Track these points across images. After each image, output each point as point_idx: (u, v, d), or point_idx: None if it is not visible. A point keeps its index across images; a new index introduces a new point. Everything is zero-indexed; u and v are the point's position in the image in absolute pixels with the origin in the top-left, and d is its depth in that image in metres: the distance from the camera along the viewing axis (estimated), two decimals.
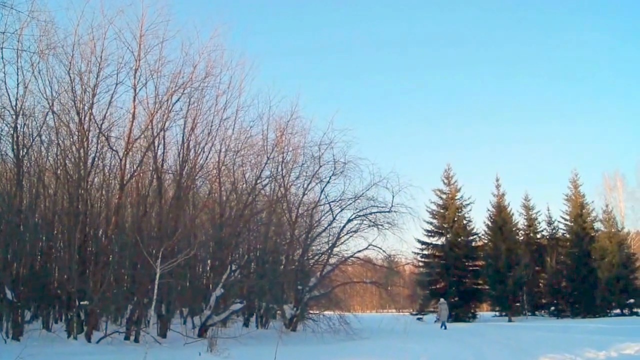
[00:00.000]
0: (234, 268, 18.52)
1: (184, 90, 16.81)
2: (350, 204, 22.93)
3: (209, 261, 21.65)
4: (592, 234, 41.22)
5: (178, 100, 16.91)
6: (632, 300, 39.51)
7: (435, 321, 33.48)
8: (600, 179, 54.11)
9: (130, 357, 11.56)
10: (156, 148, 17.08)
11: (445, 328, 27.65)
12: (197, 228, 20.12)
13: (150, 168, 17.72)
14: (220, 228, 19.05)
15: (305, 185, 23.36)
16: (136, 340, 15.32)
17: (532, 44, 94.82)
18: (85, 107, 15.41)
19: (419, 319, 30.59)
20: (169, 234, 15.34)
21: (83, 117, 15.32)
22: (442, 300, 32.49)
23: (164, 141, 17.50)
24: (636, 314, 38.92)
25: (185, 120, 17.68)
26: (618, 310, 39.42)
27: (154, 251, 13.36)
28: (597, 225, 42.00)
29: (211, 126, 18.58)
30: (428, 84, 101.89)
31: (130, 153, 17.01)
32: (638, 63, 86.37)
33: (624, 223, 43.39)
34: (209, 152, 19.33)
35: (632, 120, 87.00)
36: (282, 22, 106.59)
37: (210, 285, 18.97)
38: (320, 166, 22.36)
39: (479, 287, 42.11)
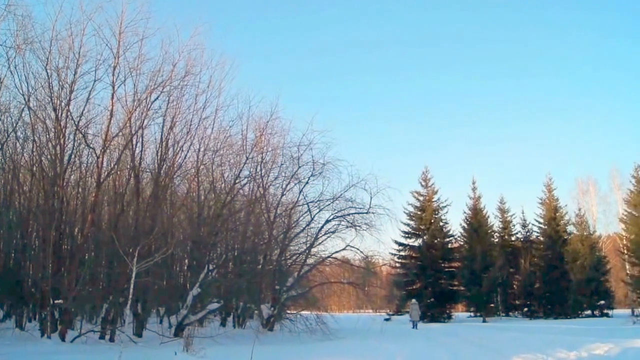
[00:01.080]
0: (211, 267, 18.45)
1: (163, 89, 16.72)
2: (329, 204, 23.03)
3: (186, 260, 21.54)
4: (565, 237, 42.02)
5: (157, 98, 16.82)
6: (602, 302, 40.41)
7: (410, 321, 34.07)
8: (573, 184, 55.16)
9: (105, 357, 11.45)
10: (134, 146, 16.95)
11: (416, 327, 28.57)
12: (174, 227, 20.01)
13: (128, 166, 17.58)
14: (198, 227, 19.00)
15: (284, 186, 23.43)
16: (111, 340, 15.18)
17: (509, 46, 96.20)
18: (63, 104, 15.23)
19: (386, 319, 30.93)
20: (146, 233, 15.23)
21: (60, 114, 15.14)
22: (413, 300, 33.64)
23: (142, 139, 17.37)
24: (606, 315, 39.75)
25: (164, 118, 17.59)
26: (589, 312, 40.26)
27: (130, 250, 13.27)
28: (570, 228, 42.88)
29: (190, 125, 18.52)
30: (407, 86, 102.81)
31: (108, 151, 16.88)
32: (615, 68, 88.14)
33: (596, 227, 44.40)
34: (188, 151, 19.28)
35: (605, 127, 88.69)
36: (262, 23, 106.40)
37: (188, 285, 18.89)
38: (299, 167, 22.42)
39: (455, 288, 42.58)
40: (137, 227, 16.22)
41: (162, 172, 17.69)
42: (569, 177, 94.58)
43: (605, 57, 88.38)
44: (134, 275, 10.49)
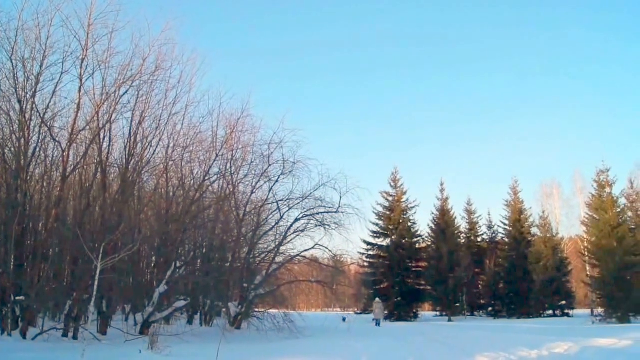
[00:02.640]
0: (178, 265, 18.29)
1: (132, 83, 16.44)
2: (298, 203, 23.04)
3: (153, 257, 21.27)
4: (529, 239, 42.96)
5: (126, 92, 16.53)
6: (564, 302, 41.50)
7: (374, 319, 34.60)
8: (538, 187, 56.28)
9: (68, 355, 11.23)
10: (102, 140, 16.64)
11: (379, 326, 29.54)
12: (142, 223, 19.76)
13: (95, 161, 17.26)
14: (166, 224, 18.78)
15: (253, 184, 23.34)
16: (75, 337, 14.89)
17: (477, 47, 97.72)
18: (28, 96, 14.85)
19: (343, 319, 31.30)
20: (112, 229, 14.99)
21: (25, 106, 14.76)
22: (377, 299, 34.47)
23: (110, 134, 17.06)
24: (567, 315, 40.79)
25: (132, 113, 17.29)
26: (551, 312, 41.26)
27: (95, 246, 13.06)
28: (534, 230, 43.84)
29: (159, 120, 18.25)
30: (378, 86, 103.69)
31: (74, 145, 16.53)
32: (578, 73, 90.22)
33: (559, 229, 45.43)
34: (157, 147, 18.99)
35: (568, 131, 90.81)
36: (235, 19, 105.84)
37: (154, 282, 18.67)
38: (270, 165, 22.37)
39: (421, 287, 43.13)
40: (104, 222, 15.94)
41: (130, 167, 17.42)
42: (535, 180, 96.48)
43: (570, 62, 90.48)
44: (98, 271, 10.32)
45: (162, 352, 11.51)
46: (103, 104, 16.08)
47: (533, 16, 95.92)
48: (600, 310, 33.57)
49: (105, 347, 13.08)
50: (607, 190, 33.44)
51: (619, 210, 33.66)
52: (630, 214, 37.62)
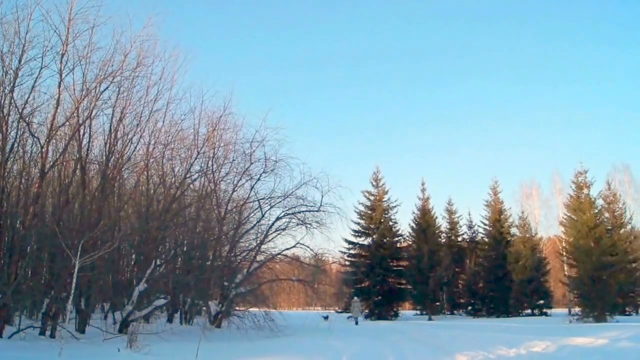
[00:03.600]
0: (159, 263, 18.17)
1: (113, 79, 16.26)
2: (280, 202, 23.06)
3: (133, 255, 21.09)
4: (509, 239, 43.36)
5: (107, 88, 16.36)
6: (542, 302, 42.01)
7: (349, 317, 34.93)
8: (518, 187, 56.88)
9: (45, 353, 11.11)
10: (81, 137, 16.45)
11: (357, 324, 30.29)
12: (121, 221, 19.59)
13: (75, 157, 17.06)
14: (147, 221, 18.63)
15: (235, 182, 23.27)
16: (52, 336, 14.69)
17: (456, 49, 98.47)
18: (6, 90, 14.59)
19: (325, 317, 31.48)
20: (91, 226, 14.83)
21: (3, 101, 14.50)
22: (355, 298, 35.53)
23: (90, 130, 16.93)
24: (545, 314, 41.30)
25: (113, 109, 17.17)
26: (529, 311, 41.72)
27: (74, 243, 12.90)
28: (514, 230, 44.26)
29: (140, 117, 18.15)
30: (361, 85, 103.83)
31: (53, 141, 16.32)
32: (558, 76, 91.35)
33: (538, 229, 45.93)
34: (138, 144, 18.87)
35: (548, 132, 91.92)
36: (217, 17, 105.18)
37: (134, 280, 18.51)
38: (251, 163, 22.33)
39: (402, 286, 43.27)
40: (83, 220, 15.77)
41: (110, 164, 17.27)
42: (515, 180, 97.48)
43: (549, 64, 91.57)
44: (76, 269, 10.23)
45: (141, 351, 11.42)
46: (83, 99, 15.91)
47: (508, 20, 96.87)
48: (577, 309, 33.98)
49: (84, 346, 12.94)
50: (585, 191, 33.84)
51: (596, 211, 34.07)
52: (607, 215, 38.22)
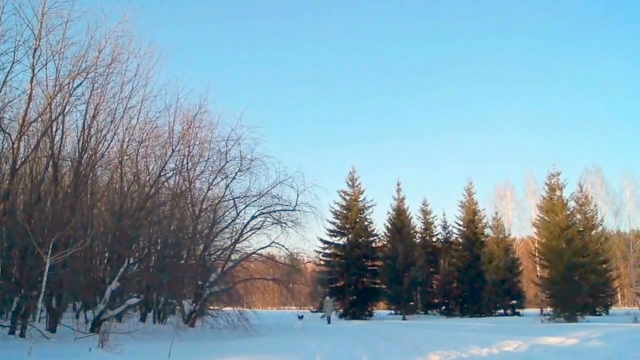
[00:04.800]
0: (132, 261, 17.96)
1: (87, 75, 16.01)
2: (255, 200, 23.02)
3: (106, 253, 20.82)
4: (482, 239, 43.89)
5: (80, 84, 16.09)
6: (514, 302, 42.65)
7: (322, 317, 35.14)
8: (492, 188, 57.59)
9: (14, 353, 10.94)
10: (54, 133, 16.18)
11: (329, 323, 31.11)
12: (94, 218, 19.32)
13: (47, 153, 16.79)
14: (120, 219, 18.40)
15: (210, 180, 23.16)
16: (22, 335, 14.43)
17: (434, 50, 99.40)
18: None
19: (300, 316, 31.63)
20: (63, 224, 14.62)
21: None
22: (327, 298, 36.05)
23: (63, 126, 16.62)
24: (518, 314, 41.91)
25: (87, 106, 16.91)
26: (502, 311, 42.30)
27: (46, 241, 12.69)
28: (487, 231, 44.84)
29: (114, 114, 17.91)
30: (338, 84, 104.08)
31: (25, 137, 15.98)
32: (532, 76, 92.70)
33: (511, 230, 46.68)
34: (111, 141, 18.62)
35: (522, 134, 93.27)
36: (194, 14, 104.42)
37: (107, 279, 18.28)
38: (227, 162, 22.25)
39: (377, 286, 43.48)
40: (54, 217, 15.52)
41: (83, 161, 17.02)
42: (489, 182, 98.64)
43: (523, 67, 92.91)
44: (47, 267, 10.07)
45: (113, 350, 11.30)
46: (56, 95, 15.64)
47: (483, 22, 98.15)
48: (549, 309, 34.56)
49: (54, 345, 12.76)
50: (558, 193, 34.44)
51: (568, 212, 34.72)
52: (579, 216, 39.01)
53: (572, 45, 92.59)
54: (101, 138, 17.83)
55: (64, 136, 16.89)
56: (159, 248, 21.69)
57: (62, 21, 15.17)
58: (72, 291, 18.03)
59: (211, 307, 22.41)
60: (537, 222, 37.51)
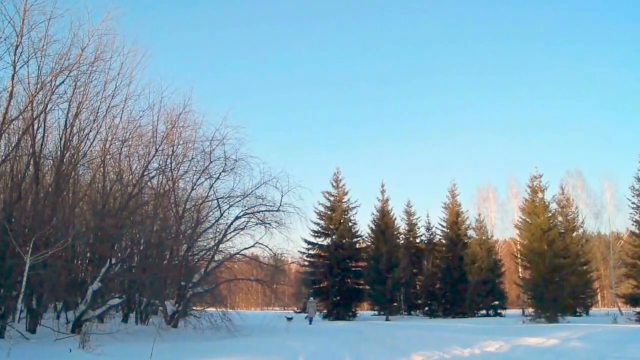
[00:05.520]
0: (114, 261, 17.77)
1: (69, 73, 15.85)
2: (239, 201, 22.91)
3: (88, 253, 20.61)
4: (465, 241, 44.24)
5: (63, 82, 15.92)
6: (497, 302, 43.01)
7: (305, 317, 35.20)
8: (475, 190, 57.99)
9: None
10: (35, 131, 15.97)
11: (311, 323, 31.81)
12: (76, 218, 19.10)
13: (28, 152, 16.58)
14: (102, 219, 18.22)
15: (194, 180, 23.01)
16: (1, 336, 14.24)
17: (418, 52, 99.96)
18: None
19: (289, 318, 31.67)
20: (44, 223, 14.45)
21: None
22: (311, 299, 36.32)
23: (45, 124, 16.41)
24: (500, 314, 42.27)
25: (69, 104, 16.71)
26: (484, 311, 42.64)
27: (27, 240, 12.53)
28: (470, 232, 45.23)
29: (97, 113, 17.74)
30: (322, 87, 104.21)
31: (6, 134, 15.78)
32: (513, 79, 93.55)
33: (494, 232, 47.12)
34: (94, 140, 18.46)
35: (504, 138, 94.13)
36: (177, 13, 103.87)
37: (88, 279, 18.10)
38: (211, 162, 22.10)
39: (360, 287, 43.57)
40: (35, 216, 15.34)
41: (65, 159, 16.83)
42: (472, 184, 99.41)
43: (505, 69, 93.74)
44: (27, 267, 9.95)
45: (94, 351, 11.20)
46: (38, 93, 15.47)
47: (464, 24, 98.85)
48: (530, 310, 34.91)
49: (34, 346, 12.59)
50: (540, 195, 34.79)
51: (550, 214, 35.08)
52: (560, 218, 39.48)
53: (554, 50, 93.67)
54: (84, 137, 17.68)
55: (45, 134, 16.69)
56: (141, 248, 21.50)
57: (45, 18, 15.01)
58: (53, 291, 17.78)
59: (194, 308, 22.28)
60: (519, 224, 37.86)
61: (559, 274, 32.49)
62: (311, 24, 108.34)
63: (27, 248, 10.12)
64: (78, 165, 18.37)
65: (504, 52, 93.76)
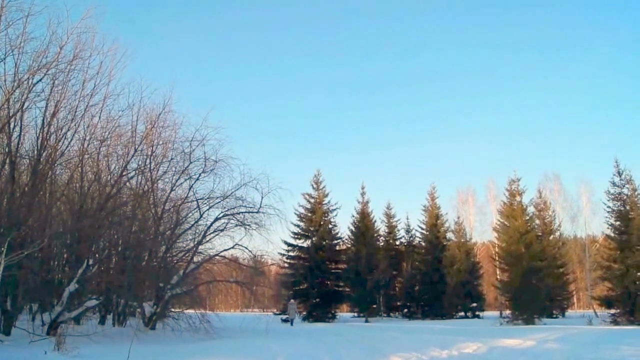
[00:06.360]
0: (91, 262, 17.57)
1: (47, 71, 15.64)
2: (219, 202, 22.79)
3: (65, 254, 20.32)
4: (444, 243, 44.56)
5: (40, 80, 15.72)
6: (475, 304, 43.38)
7: (285, 319, 35.26)
8: (454, 193, 58.49)
9: None
10: (11, 130, 15.74)
11: (292, 325, 32.17)
12: (53, 218, 18.83)
13: (4, 151, 16.31)
14: (79, 220, 17.99)
15: (173, 181, 22.84)
16: None
17: (398, 56, 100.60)
18: None
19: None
20: (20, 223, 14.22)
21: None
22: (292, 301, 36.33)
23: (22, 123, 16.18)
24: (478, 316, 42.64)
25: (47, 102, 16.49)
26: (463, 313, 42.96)
27: (3, 240, 12.31)
28: (449, 235, 45.57)
29: (76, 112, 17.51)
30: (305, 89, 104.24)
31: None
32: (495, 84, 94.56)
33: (472, 234, 47.54)
34: (72, 139, 18.22)
35: (483, 142, 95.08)
36: (159, 13, 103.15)
37: (65, 280, 17.84)
38: (191, 162, 21.97)
39: (340, 289, 43.64)
40: (10, 216, 15.09)
41: (42, 159, 16.60)
42: (451, 187, 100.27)
43: (485, 73, 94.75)
44: (1, 268, 9.78)
45: (70, 354, 11.07)
46: (14, 91, 15.24)
47: (447, 29, 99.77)
48: (508, 312, 35.29)
49: (8, 349, 12.38)
50: (518, 198, 35.20)
51: (527, 218, 35.53)
52: (537, 221, 40.02)
53: (532, 56, 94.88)
54: (61, 136, 17.44)
55: (22, 133, 16.45)
56: (119, 249, 21.27)
57: (23, 15, 14.82)
58: (28, 293, 17.51)
59: (173, 310, 22.11)
60: (498, 227, 38.25)
61: (536, 277, 32.91)
62: (292, 32, 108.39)
63: (2, 248, 9.94)
64: (55, 165, 18.13)
65: (484, 58, 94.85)
